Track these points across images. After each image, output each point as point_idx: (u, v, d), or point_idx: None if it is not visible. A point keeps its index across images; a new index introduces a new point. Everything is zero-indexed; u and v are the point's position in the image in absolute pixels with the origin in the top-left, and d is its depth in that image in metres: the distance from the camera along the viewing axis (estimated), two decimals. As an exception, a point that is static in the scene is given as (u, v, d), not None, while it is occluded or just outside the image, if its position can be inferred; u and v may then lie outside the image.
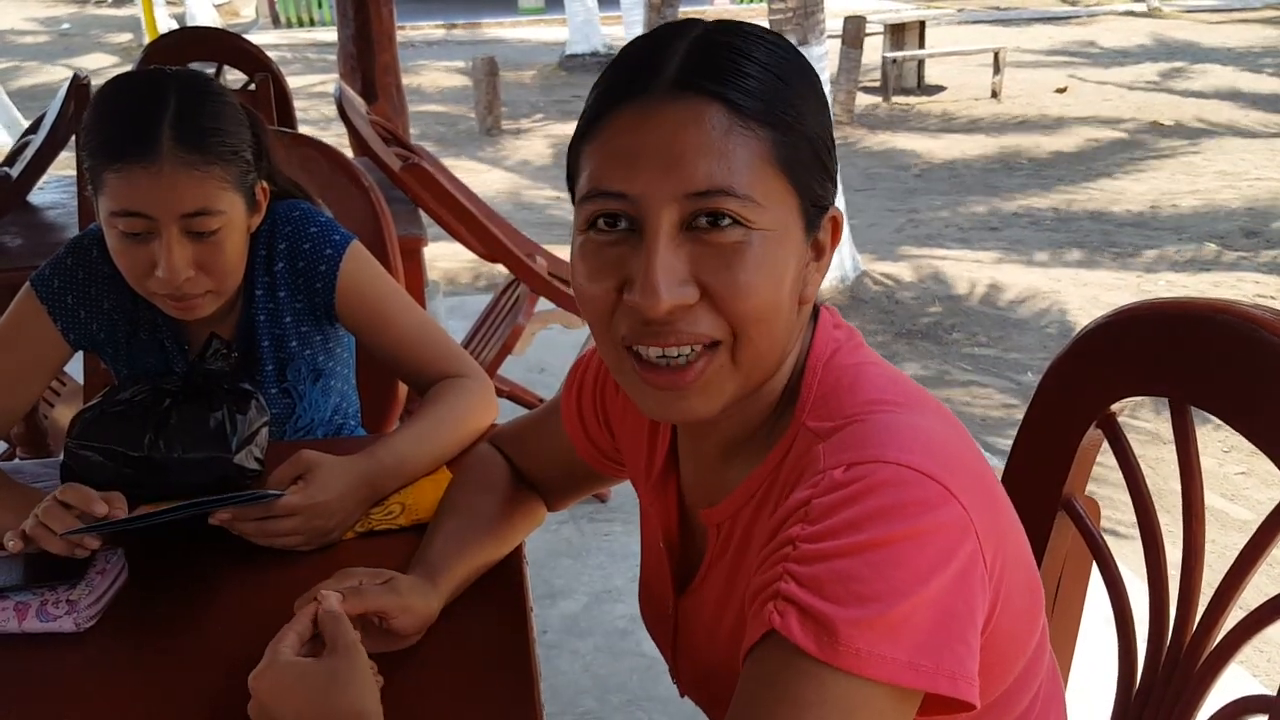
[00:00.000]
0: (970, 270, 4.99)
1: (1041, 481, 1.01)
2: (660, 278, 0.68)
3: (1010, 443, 1.03)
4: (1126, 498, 0.94)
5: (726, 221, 0.69)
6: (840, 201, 4.92)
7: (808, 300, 0.76)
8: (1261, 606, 0.84)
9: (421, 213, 2.67)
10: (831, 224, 0.76)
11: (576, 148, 0.74)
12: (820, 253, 0.76)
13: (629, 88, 0.71)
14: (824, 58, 4.88)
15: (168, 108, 1.18)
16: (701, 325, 0.70)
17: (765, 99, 0.69)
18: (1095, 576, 1.01)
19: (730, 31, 0.73)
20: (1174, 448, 0.90)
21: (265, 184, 1.31)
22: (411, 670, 0.92)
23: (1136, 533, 0.94)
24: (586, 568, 2.54)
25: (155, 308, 1.28)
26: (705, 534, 0.84)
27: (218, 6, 15.31)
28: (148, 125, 1.16)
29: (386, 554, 1.06)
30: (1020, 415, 1.03)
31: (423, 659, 0.94)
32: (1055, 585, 1.02)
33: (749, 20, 0.78)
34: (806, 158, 0.72)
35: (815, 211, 0.74)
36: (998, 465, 1.04)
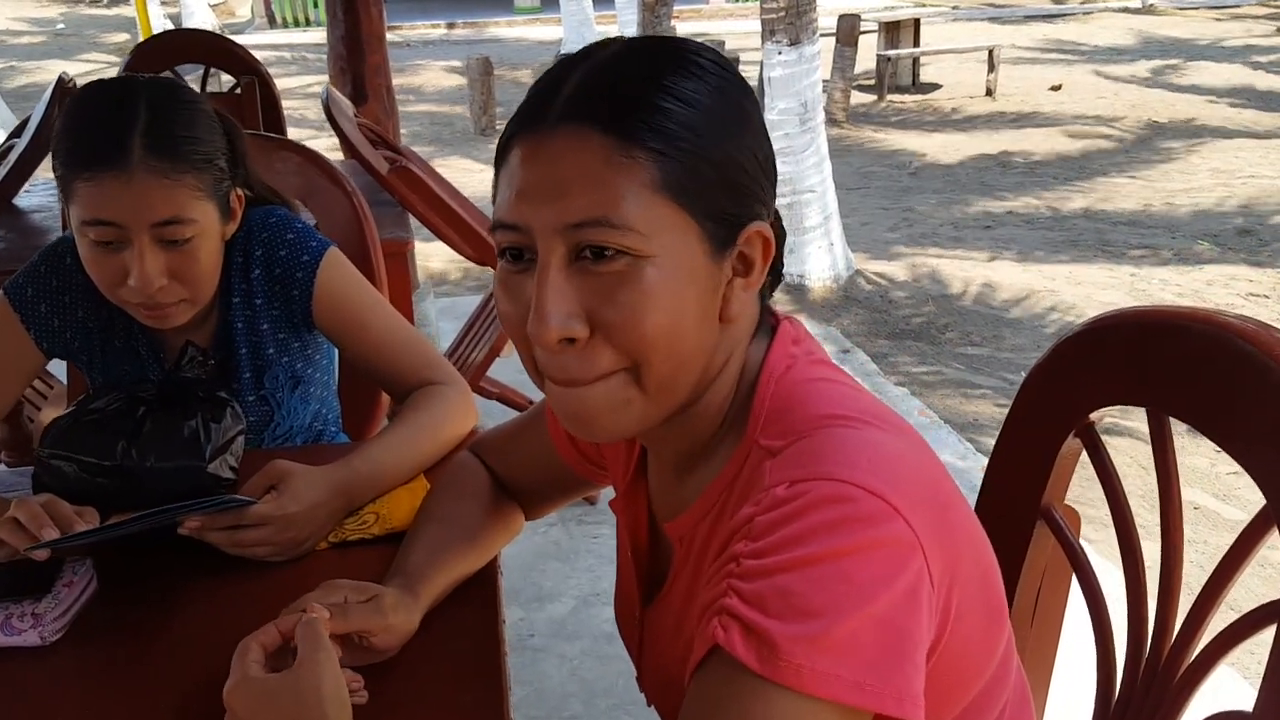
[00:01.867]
0: (964, 269, 4.98)
1: (1020, 491, 1.00)
2: (549, 307, 0.69)
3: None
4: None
5: (610, 252, 0.68)
6: (833, 200, 4.91)
7: (733, 319, 0.74)
8: (1238, 621, 0.83)
9: (410, 215, 2.66)
10: (760, 240, 0.74)
11: (495, 177, 0.75)
12: (748, 269, 0.74)
13: (526, 119, 0.72)
14: (817, 56, 4.85)
15: (139, 116, 1.16)
16: (600, 362, 0.71)
17: (653, 125, 0.68)
18: (1075, 586, 1.00)
19: (634, 54, 0.72)
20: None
21: (240, 191, 1.30)
22: (381, 680, 0.91)
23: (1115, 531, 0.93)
24: (575, 570, 2.52)
25: (130, 315, 1.27)
26: (672, 546, 0.84)
27: (213, 6, 15.28)
28: (118, 133, 1.15)
29: (361, 564, 1.05)
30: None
31: (393, 669, 0.93)
32: (1035, 595, 1.02)
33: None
34: (708, 181, 0.70)
35: (725, 232, 0.72)
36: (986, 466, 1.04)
